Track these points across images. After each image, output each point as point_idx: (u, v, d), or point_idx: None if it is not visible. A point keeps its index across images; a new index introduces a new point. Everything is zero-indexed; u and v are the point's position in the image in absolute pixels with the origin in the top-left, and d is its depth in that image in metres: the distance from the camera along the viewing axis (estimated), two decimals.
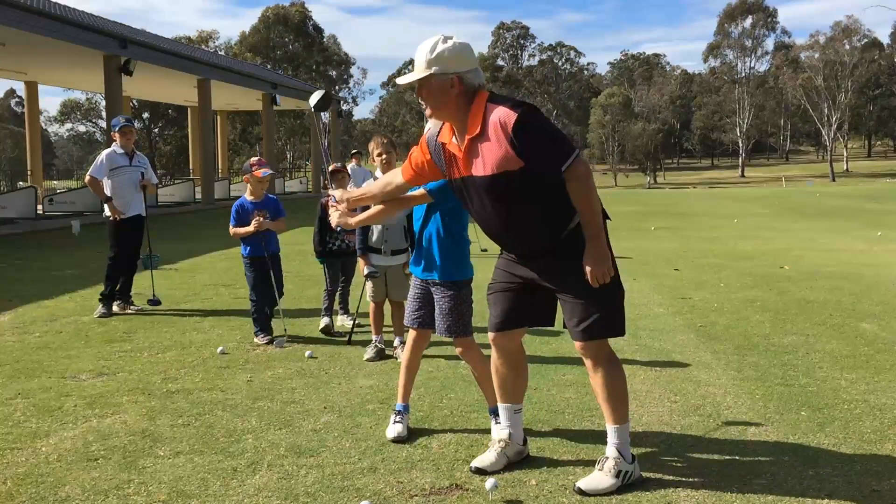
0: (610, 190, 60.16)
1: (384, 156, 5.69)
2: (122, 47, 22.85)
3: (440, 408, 4.56)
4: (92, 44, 21.58)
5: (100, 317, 7.57)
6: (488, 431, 4.02)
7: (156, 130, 67.98)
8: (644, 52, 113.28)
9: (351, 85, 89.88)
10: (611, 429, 3.48)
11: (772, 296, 8.35)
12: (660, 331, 6.62)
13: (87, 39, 21.28)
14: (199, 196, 30.49)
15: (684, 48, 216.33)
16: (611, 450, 3.45)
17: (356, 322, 6.68)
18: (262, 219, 6.34)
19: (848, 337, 6.33)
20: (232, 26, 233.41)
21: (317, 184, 40.79)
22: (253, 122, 64.77)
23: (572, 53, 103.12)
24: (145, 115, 64.30)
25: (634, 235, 16.36)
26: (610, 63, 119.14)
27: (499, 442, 3.68)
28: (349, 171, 12.81)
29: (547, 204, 3.30)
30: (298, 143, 79.03)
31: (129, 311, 7.85)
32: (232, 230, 6.48)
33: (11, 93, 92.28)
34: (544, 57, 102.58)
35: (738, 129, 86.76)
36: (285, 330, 6.58)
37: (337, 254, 6.86)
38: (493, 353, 3.72)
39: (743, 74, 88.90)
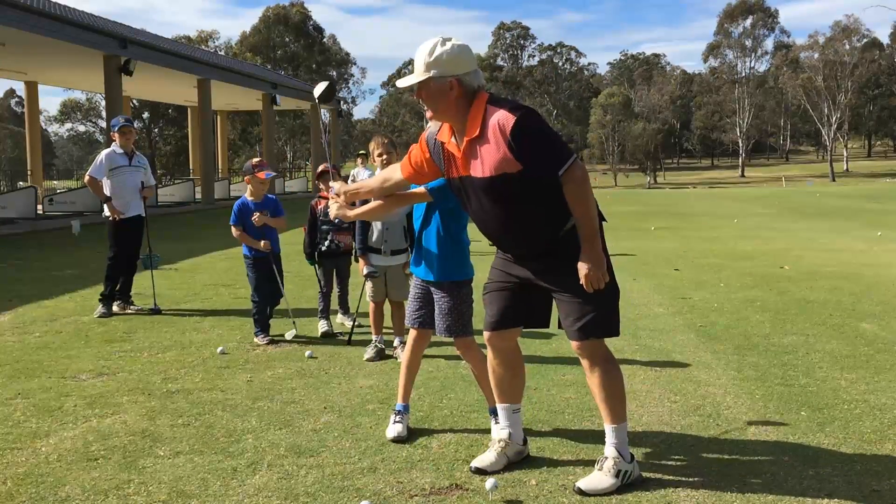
0: (610, 190, 60.16)
1: (384, 156, 5.69)
2: (122, 47, 22.86)
3: (440, 408, 4.56)
4: (92, 44, 21.58)
5: (100, 317, 7.57)
6: (488, 431, 4.02)
7: (156, 130, 67.98)
8: (644, 53, 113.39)
9: (351, 85, 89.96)
10: (609, 428, 3.48)
11: (772, 296, 8.35)
12: (660, 331, 6.62)
13: (87, 39, 21.29)
14: (199, 196, 30.50)
15: (684, 48, 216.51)
16: (609, 450, 3.46)
17: (356, 322, 6.68)
18: (261, 214, 6.38)
19: (848, 337, 6.33)
20: (232, 26, 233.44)
21: (315, 183, 40.79)
22: (253, 122, 64.77)
23: (573, 54, 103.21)
24: (145, 115, 64.31)
25: (634, 235, 16.36)
26: (610, 63, 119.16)
27: (499, 442, 3.68)
28: (353, 174, 12.82)
29: (544, 206, 3.32)
30: (299, 143, 79.03)
31: (129, 311, 7.85)
32: (236, 231, 6.46)
33: (11, 93, 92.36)
34: (544, 57, 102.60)
35: (738, 129, 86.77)
36: (294, 323, 6.58)
37: (327, 255, 6.83)
38: (489, 352, 3.72)
39: (743, 74, 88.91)
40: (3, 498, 3.37)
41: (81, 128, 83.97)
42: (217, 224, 21.04)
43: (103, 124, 56.64)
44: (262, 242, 6.39)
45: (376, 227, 5.87)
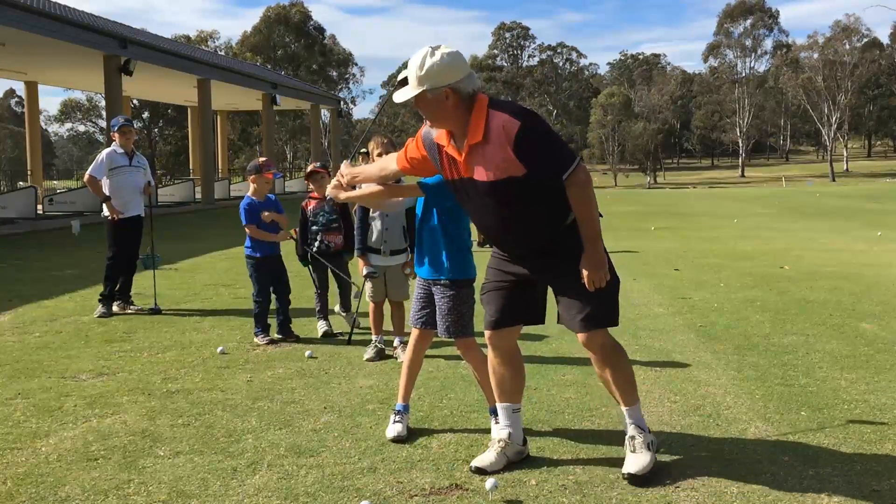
0: (610, 190, 60.16)
1: (384, 156, 5.69)
2: (122, 47, 22.86)
3: (440, 408, 4.56)
4: (92, 44, 21.58)
5: (100, 317, 7.57)
6: (488, 431, 4.02)
7: (156, 130, 67.98)
8: (643, 53, 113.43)
9: (351, 85, 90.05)
10: (626, 410, 3.63)
11: (772, 296, 8.35)
12: (660, 331, 6.62)
13: (87, 39, 21.29)
14: (199, 196, 30.49)
15: (684, 48, 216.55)
16: (632, 428, 3.59)
17: (356, 322, 6.68)
18: (269, 213, 6.49)
19: (848, 337, 6.33)
20: (232, 26, 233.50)
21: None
22: (253, 122, 64.77)
23: (573, 54, 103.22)
24: (145, 115, 64.31)
25: (634, 235, 16.36)
26: (610, 63, 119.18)
27: (498, 442, 3.68)
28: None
29: (547, 207, 3.36)
30: (299, 143, 79.03)
31: (129, 311, 7.85)
32: (251, 230, 6.46)
33: (11, 93, 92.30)
34: (544, 57, 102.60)
35: (738, 129, 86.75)
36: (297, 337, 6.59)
37: (319, 256, 6.81)
38: (490, 352, 3.75)
39: (743, 74, 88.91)
40: (3, 498, 3.37)
41: (81, 128, 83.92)
42: (217, 224, 21.04)
43: (103, 124, 56.70)
44: (281, 233, 6.52)
45: (375, 227, 5.87)
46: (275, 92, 34.28)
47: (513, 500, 3.31)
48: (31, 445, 4.01)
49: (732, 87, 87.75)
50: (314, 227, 6.72)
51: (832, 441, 3.95)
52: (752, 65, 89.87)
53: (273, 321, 6.57)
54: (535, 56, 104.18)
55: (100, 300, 7.76)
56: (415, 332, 4.19)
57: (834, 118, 77.96)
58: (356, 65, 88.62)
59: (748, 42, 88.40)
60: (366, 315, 6.35)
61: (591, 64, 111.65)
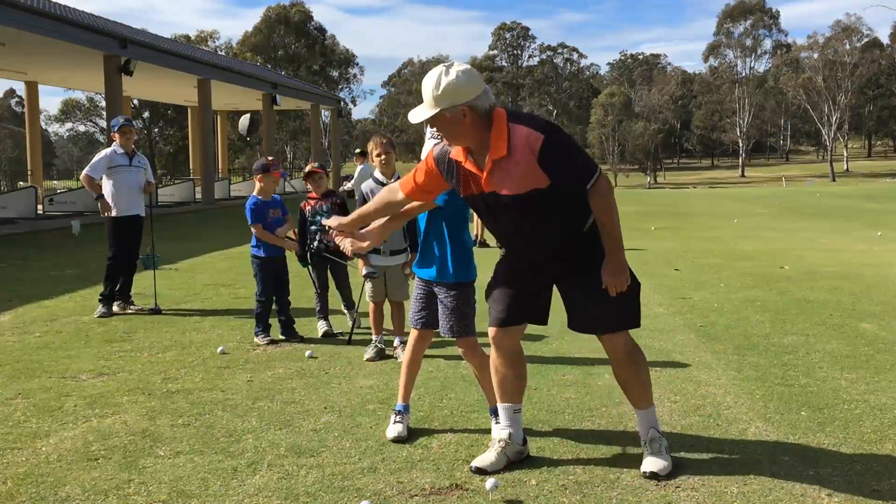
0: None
1: (383, 156, 5.70)
2: (122, 47, 22.86)
3: (440, 408, 4.56)
4: (92, 44, 21.58)
5: (100, 317, 7.57)
6: (488, 431, 4.02)
7: (156, 130, 67.98)
8: (643, 53, 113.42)
9: (352, 85, 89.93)
10: (643, 413, 3.68)
11: (772, 296, 8.35)
12: (660, 331, 6.62)
13: (87, 39, 21.29)
14: (199, 196, 30.49)
15: (684, 48, 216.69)
16: (652, 432, 3.64)
17: (356, 322, 6.68)
18: (284, 227, 6.60)
19: (848, 337, 6.33)
20: (232, 26, 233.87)
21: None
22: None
23: (574, 55, 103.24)
24: (145, 115, 64.31)
25: (635, 235, 16.35)
26: (609, 63, 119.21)
27: (499, 442, 3.68)
28: (357, 171, 12.80)
29: (567, 216, 3.44)
30: (299, 143, 79.03)
31: (129, 311, 7.85)
32: (257, 230, 6.46)
33: (11, 93, 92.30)
34: (544, 57, 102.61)
35: (738, 129, 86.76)
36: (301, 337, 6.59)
37: (317, 254, 6.81)
38: (493, 351, 3.75)
39: (743, 74, 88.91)
40: (4, 498, 3.37)
41: (81, 128, 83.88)
42: (217, 224, 21.05)
43: (103, 124, 56.66)
44: (286, 242, 6.56)
45: None
46: (275, 92, 34.28)
47: (513, 500, 3.31)
48: (32, 445, 4.01)
49: (732, 87, 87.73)
50: (313, 227, 6.72)
51: (832, 441, 3.95)
52: (752, 65, 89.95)
53: (274, 321, 6.58)
54: (535, 56, 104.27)
55: (100, 300, 7.76)
56: (414, 333, 4.19)
57: (834, 118, 77.96)
58: (357, 65, 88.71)
59: (748, 42, 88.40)
60: (366, 315, 6.35)
61: (592, 65, 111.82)
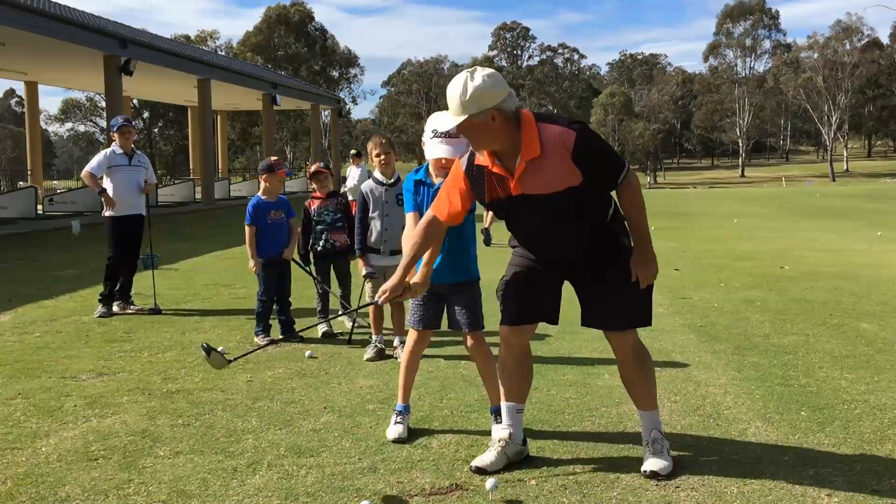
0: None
1: (383, 156, 5.69)
2: (122, 47, 22.86)
3: (440, 408, 4.56)
4: (92, 44, 21.58)
5: (100, 317, 7.57)
6: (488, 431, 4.02)
7: (156, 130, 67.98)
8: (643, 53, 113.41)
9: (352, 85, 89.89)
10: (647, 414, 3.69)
11: (772, 296, 8.35)
12: (660, 331, 6.62)
13: (87, 39, 21.29)
14: (199, 196, 30.51)
15: (684, 48, 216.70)
16: (654, 433, 3.64)
17: (356, 322, 6.67)
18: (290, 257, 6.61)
19: (848, 337, 6.33)
20: (232, 26, 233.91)
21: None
22: (253, 123, 64.77)
23: (575, 56, 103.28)
24: (145, 115, 64.31)
25: None
26: (609, 63, 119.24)
27: (499, 441, 3.68)
28: (349, 172, 12.80)
29: (594, 213, 3.48)
30: (299, 142, 79.05)
31: (129, 311, 7.85)
32: (249, 232, 6.46)
33: (11, 93, 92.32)
34: (544, 57, 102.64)
35: (738, 129, 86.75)
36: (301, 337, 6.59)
37: (323, 255, 6.83)
38: (502, 350, 3.75)
39: (743, 74, 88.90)
40: (3, 498, 3.37)
41: (81, 128, 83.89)
42: (217, 224, 21.05)
43: (103, 124, 56.66)
44: (252, 263, 6.44)
45: (375, 227, 5.87)
46: (275, 92, 34.28)
47: (513, 500, 3.31)
48: (32, 445, 4.01)
49: (732, 87, 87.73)
50: (319, 227, 6.75)
51: (832, 441, 3.95)
52: (752, 65, 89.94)
53: (274, 321, 6.58)
54: (535, 56, 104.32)
55: (100, 300, 7.76)
56: (413, 334, 4.19)
57: (834, 118, 77.96)
58: (359, 66, 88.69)
59: (748, 42, 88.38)
60: (366, 315, 6.35)
61: (593, 66, 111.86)
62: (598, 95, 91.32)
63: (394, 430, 4.05)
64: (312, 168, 7.04)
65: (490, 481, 3.31)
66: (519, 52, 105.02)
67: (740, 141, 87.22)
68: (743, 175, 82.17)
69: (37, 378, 5.33)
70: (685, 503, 3.27)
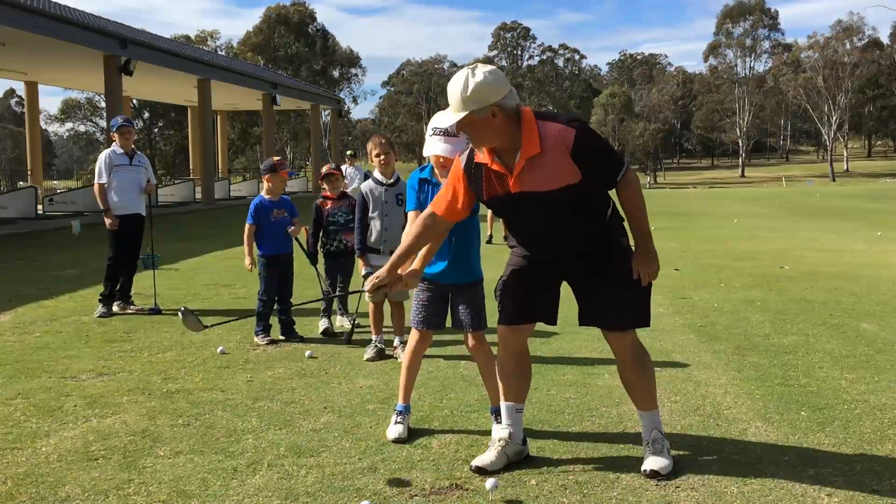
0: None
1: (382, 156, 5.69)
2: (122, 47, 22.86)
3: (440, 408, 4.56)
4: (92, 44, 21.58)
5: (100, 317, 7.57)
6: (488, 431, 4.02)
7: (156, 130, 67.97)
8: (643, 53, 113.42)
9: (353, 84, 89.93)
10: (647, 414, 3.70)
11: (772, 296, 8.35)
12: (660, 331, 6.62)
13: (87, 39, 21.29)
14: (199, 196, 30.51)
15: (684, 48, 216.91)
16: (655, 433, 3.64)
17: (356, 322, 6.68)
18: (295, 227, 6.62)
19: (848, 337, 6.33)
20: (232, 26, 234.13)
21: (317, 183, 40.85)
22: (253, 123, 64.77)
23: (576, 56, 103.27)
24: (145, 115, 64.31)
25: None
26: (609, 63, 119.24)
27: (499, 441, 3.68)
28: (343, 172, 12.84)
29: (593, 210, 3.48)
30: (299, 142, 79.04)
31: (129, 311, 7.85)
32: (249, 231, 6.49)
33: (11, 93, 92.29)
34: (544, 57, 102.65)
35: (738, 129, 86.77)
36: (301, 338, 6.58)
37: (335, 255, 6.86)
38: (501, 350, 3.75)
39: (743, 74, 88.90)
40: (3, 498, 3.37)
41: (81, 128, 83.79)
42: (217, 224, 21.05)
43: (103, 124, 56.68)
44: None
45: (375, 227, 5.87)
46: (275, 92, 34.27)
47: (513, 500, 3.31)
48: (32, 445, 4.01)
49: (732, 87, 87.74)
50: (332, 227, 6.79)
51: (832, 441, 3.95)
52: (751, 65, 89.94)
53: (274, 321, 6.57)
54: (535, 56, 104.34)
55: (100, 300, 7.76)
56: (415, 334, 4.19)
57: (834, 118, 77.97)
58: (361, 66, 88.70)
59: (748, 42, 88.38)
60: (366, 315, 6.35)
61: (594, 67, 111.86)
62: (599, 95, 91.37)
63: (394, 430, 4.05)
64: (324, 170, 7.09)
65: (490, 481, 3.31)
66: (519, 53, 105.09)
67: (740, 141, 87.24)
68: (743, 175, 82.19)
69: (37, 378, 5.33)
70: (685, 503, 3.27)
